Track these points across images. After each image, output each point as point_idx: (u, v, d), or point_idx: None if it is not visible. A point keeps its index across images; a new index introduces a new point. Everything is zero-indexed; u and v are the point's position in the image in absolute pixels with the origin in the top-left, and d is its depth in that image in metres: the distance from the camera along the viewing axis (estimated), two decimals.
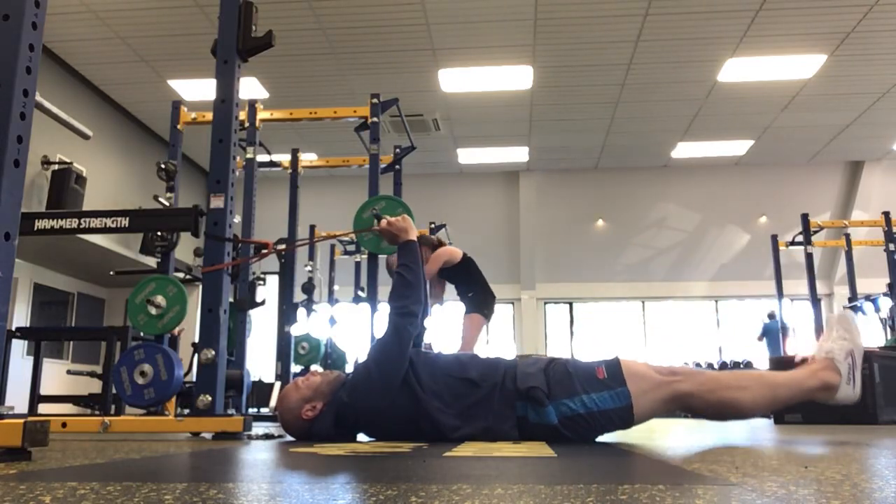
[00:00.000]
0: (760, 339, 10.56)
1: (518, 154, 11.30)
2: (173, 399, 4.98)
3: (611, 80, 8.66)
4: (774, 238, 9.17)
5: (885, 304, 8.07)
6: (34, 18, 1.52)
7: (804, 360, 2.19)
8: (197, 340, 3.07)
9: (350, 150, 7.94)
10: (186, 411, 3.29)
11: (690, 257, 12.17)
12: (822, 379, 2.09)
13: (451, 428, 2.09)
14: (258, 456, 1.64)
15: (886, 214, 8.39)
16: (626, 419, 2.06)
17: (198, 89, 8.47)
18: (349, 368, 7.33)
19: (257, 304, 5.10)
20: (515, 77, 8.51)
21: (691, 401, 2.07)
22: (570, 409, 2.04)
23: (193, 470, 1.33)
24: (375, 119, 5.09)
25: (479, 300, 4.85)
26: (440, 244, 5.00)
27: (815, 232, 8.31)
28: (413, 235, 2.41)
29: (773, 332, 10.10)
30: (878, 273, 8.66)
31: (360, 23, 7.28)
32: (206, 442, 2.36)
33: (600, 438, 2.17)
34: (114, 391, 4.66)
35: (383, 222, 2.45)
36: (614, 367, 2.10)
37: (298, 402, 2.20)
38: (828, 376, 2.08)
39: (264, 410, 6.80)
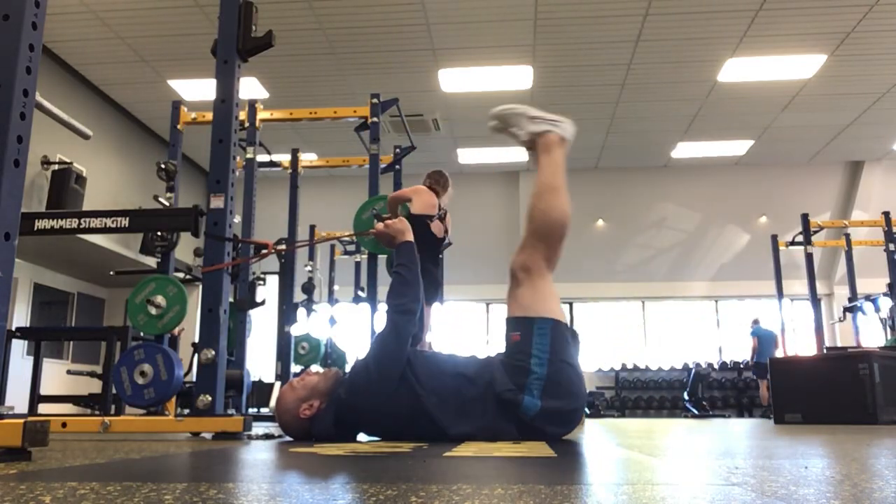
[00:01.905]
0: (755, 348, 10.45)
1: (518, 154, 11.29)
2: (173, 399, 4.98)
3: (611, 80, 8.66)
4: (774, 238, 9.17)
5: (885, 304, 8.07)
6: (34, 18, 1.52)
7: (533, 148, 2.36)
8: (197, 340, 3.07)
9: (350, 150, 7.94)
10: (186, 411, 3.29)
11: (690, 257, 12.17)
12: (552, 144, 2.31)
13: (450, 425, 2.10)
14: (258, 456, 1.64)
15: (886, 214, 8.40)
16: (563, 327, 2.16)
17: (198, 89, 8.47)
18: (349, 368, 7.32)
19: (257, 304, 5.10)
20: (515, 77, 8.50)
21: (546, 253, 2.24)
22: (539, 378, 2.07)
23: (193, 470, 1.33)
24: (375, 119, 5.09)
25: (430, 279, 4.30)
26: (439, 184, 4.56)
27: (815, 232, 8.32)
28: (410, 237, 2.44)
29: (765, 338, 10.05)
30: (878, 273, 8.66)
31: (360, 23, 7.28)
32: (206, 442, 2.36)
33: (601, 437, 2.17)
34: (114, 391, 4.65)
35: (380, 225, 2.48)
36: (513, 321, 2.18)
37: (295, 402, 2.21)
38: (550, 140, 2.32)
39: (264, 410, 6.80)
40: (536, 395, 2.06)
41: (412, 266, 2.33)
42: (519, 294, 2.21)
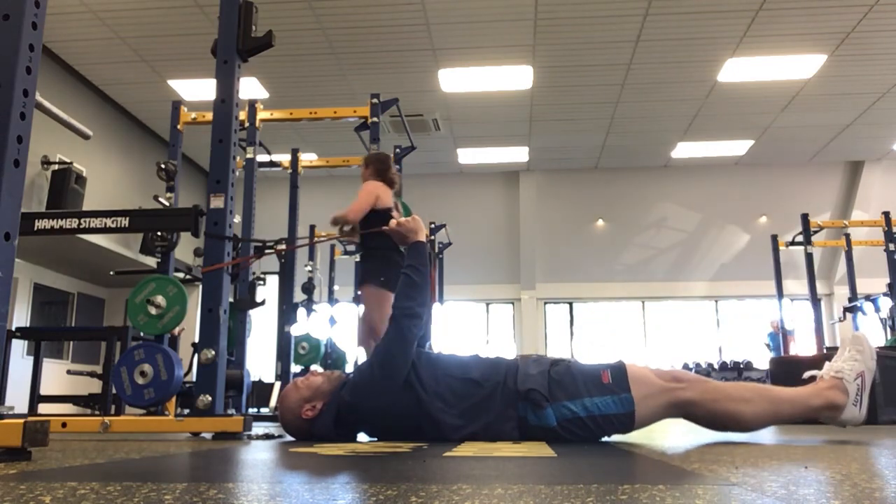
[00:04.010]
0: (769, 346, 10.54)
1: (518, 154, 11.29)
2: (173, 399, 4.97)
3: (611, 80, 8.66)
4: (774, 238, 9.17)
5: (885, 304, 8.06)
6: (34, 18, 1.52)
7: (812, 378, 2.15)
8: (197, 340, 3.07)
9: (350, 150, 7.94)
10: (186, 411, 3.29)
11: (690, 257, 12.16)
12: (828, 398, 2.05)
13: (453, 428, 2.09)
14: (258, 456, 1.64)
15: (886, 214, 8.39)
16: (627, 424, 2.06)
17: (198, 89, 8.47)
18: (349, 368, 7.32)
19: (257, 304, 5.10)
20: (515, 77, 8.50)
21: (693, 409, 2.07)
22: (571, 411, 2.04)
23: (193, 470, 1.33)
24: (375, 119, 5.09)
25: (379, 266, 4.05)
26: (385, 169, 4.19)
27: (815, 232, 8.31)
28: (423, 237, 2.39)
29: (776, 337, 10.15)
30: (878, 273, 8.65)
31: (360, 23, 7.28)
32: (206, 442, 2.36)
33: (602, 442, 2.17)
34: (114, 391, 4.65)
35: (393, 222, 2.44)
36: (620, 371, 2.09)
37: (298, 401, 2.20)
38: (834, 396, 2.05)
39: (264, 410, 6.80)
40: (557, 417, 2.04)
41: (422, 268, 2.30)
42: (652, 377, 2.07)
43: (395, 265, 3.92)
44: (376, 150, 5.06)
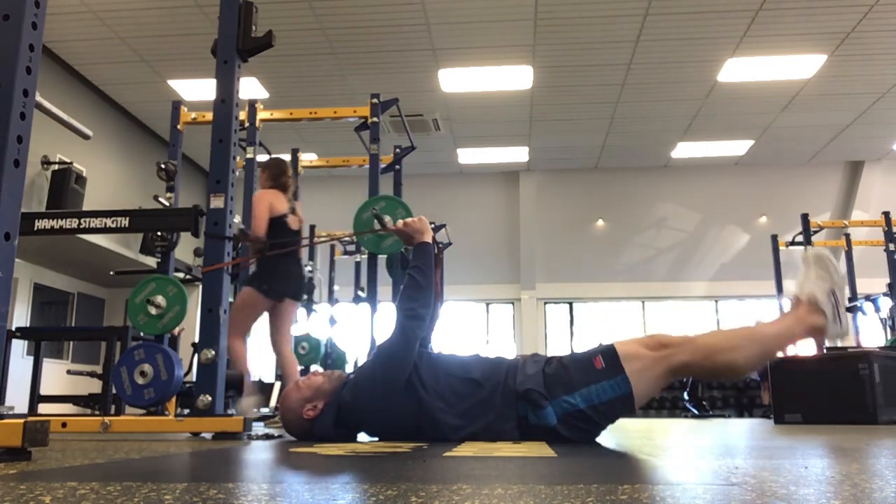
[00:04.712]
0: None
1: (518, 154, 11.29)
2: (173, 399, 4.96)
3: (611, 80, 8.66)
4: (774, 238, 9.17)
5: (885, 304, 8.07)
6: (34, 18, 1.52)
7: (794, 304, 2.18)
8: (197, 340, 3.07)
9: (350, 150, 7.94)
10: (186, 411, 3.29)
11: (690, 257, 12.16)
12: (810, 323, 2.10)
13: (454, 428, 2.09)
14: (258, 456, 1.64)
15: (886, 214, 8.39)
16: (629, 405, 2.05)
17: (198, 89, 8.47)
18: (349, 368, 7.33)
19: None
20: (515, 77, 8.50)
21: (688, 370, 2.09)
22: (571, 404, 2.03)
23: (193, 470, 1.33)
24: (375, 119, 5.09)
25: (269, 275, 3.91)
26: (279, 174, 4.09)
27: (815, 232, 8.32)
28: (429, 237, 2.38)
29: None
30: (878, 273, 8.65)
31: (360, 23, 7.28)
32: (206, 442, 2.36)
33: (601, 436, 2.17)
34: (114, 391, 4.65)
35: (399, 222, 2.43)
36: (610, 353, 2.07)
37: (299, 401, 2.21)
38: (814, 320, 2.10)
39: (264, 410, 6.79)
40: (558, 414, 2.03)
41: (426, 269, 2.29)
42: (641, 351, 2.07)
43: (284, 277, 3.90)
44: (376, 150, 5.06)
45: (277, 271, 3.92)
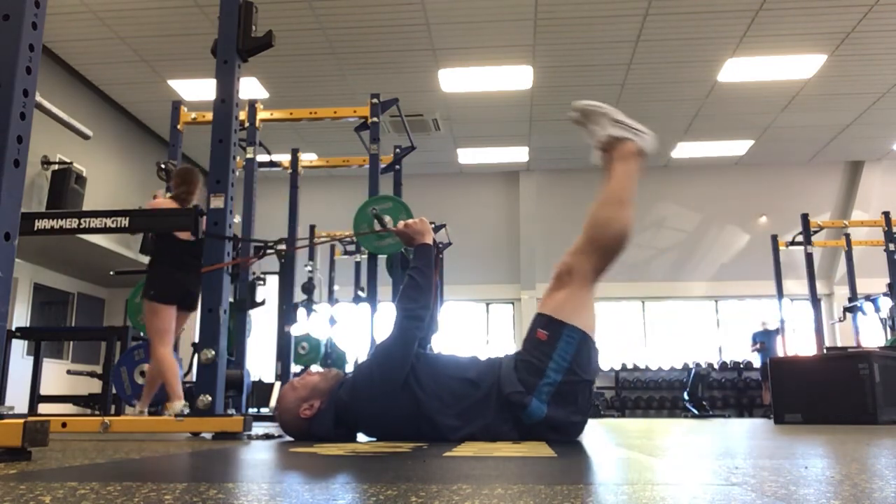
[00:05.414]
0: (761, 347, 10.53)
1: (518, 154, 11.29)
2: None
3: (611, 80, 8.66)
4: (774, 238, 9.17)
5: (885, 304, 8.07)
6: (34, 18, 1.52)
7: (607, 151, 2.29)
8: (197, 340, 3.07)
9: (350, 150, 7.94)
10: (186, 411, 3.28)
11: (690, 257, 12.16)
12: (628, 152, 2.23)
13: (451, 429, 2.09)
14: (258, 456, 1.64)
15: (886, 214, 8.40)
16: (591, 342, 2.10)
17: (198, 89, 8.47)
18: (349, 368, 7.32)
19: (257, 304, 5.10)
20: (515, 77, 8.50)
21: (597, 269, 2.16)
22: (549, 384, 2.04)
23: (193, 470, 1.33)
24: (375, 119, 5.09)
25: (154, 279, 3.87)
26: (182, 183, 3.98)
27: (815, 232, 8.32)
28: (430, 239, 2.39)
29: (770, 335, 10.17)
30: (878, 273, 8.66)
31: (360, 23, 7.28)
32: (206, 442, 2.36)
33: (600, 435, 2.17)
34: (114, 391, 4.66)
35: (400, 224, 2.44)
36: (545, 320, 2.12)
37: (296, 401, 2.21)
38: (627, 148, 2.24)
39: (264, 410, 6.80)
40: (544, 401, 2.03)
41: (426, 270, 2.30)
42: (559, 296, 2.14)
43: (170, 284, 3.86)
44: (376, 150, 5.06)
45: (162, 279, 3.86)
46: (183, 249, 3.82)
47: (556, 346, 2.06)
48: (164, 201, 4.03)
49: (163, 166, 4.92)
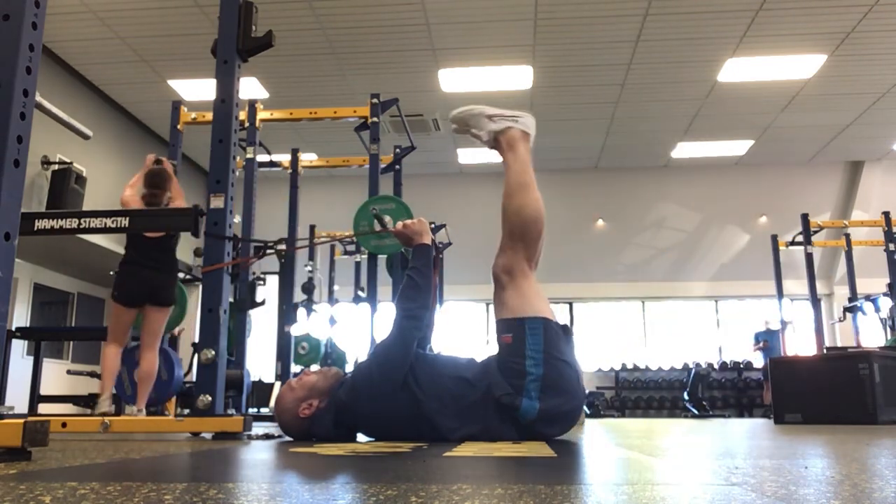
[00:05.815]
0: (764, 346, 10.57)
1: None
2: (173, 399, 4.97)
3: (611, 80, 8.66)
4: (774, 238, 9.17)
5: (885, 304, 8.07)
6: (34, 18, 1.52)
7: (498, 147, 2.41)
8: (197, 340, 3.07)
9: (350, 150, 7.94)
10: (186, 411, 3.28)
11: (690, 257, 12.16)
12: (515, 140, 2.35)
13: (450, 429, 2.09)
14: (258, 456, 1.64)
15: (886, 214, 8.40)
16: (555, 325, 2.15)
17: (198, 89, 8.47)
18: (349, 368, 7.32)
19: (257, 304, 5.10)
20: (515, 77, 8.50)
21: (528, 256, 2.22)
22: (535, 381, 2.06)
23: (193, 470, 1.33)
24: (375, 119, 5.09)
25: (122, 278, 3.93)
26: (148, 185, 3.99)
27: (815, 232, 8.32)
28: (428, 239, 2.39)
29: (773, 334, 10.20)
30: (878, 273, 8.65)
31: (360, 23, 7.28)
32: (206, 442, 2.36)
33: (601, 437, 2.17)
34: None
35: (399, 224, 2.44)
36: (504, 323, 2.17)
37: (294, 401, 2.21)
38: (511, 135, 2.37)
39: (264, 410, 6.80)
40: (535, 397, 2.05)
41: (425, 270, 2.30)
42: (505, 297, 2.20)
43: (133, 283, 3.89)
44: (376, 150, 5.06)
45: (120, 278, 3.93)
46: (151, 246, 3.90)
47: (524, 342, 2.10)
48: (133, 201, 4.04)
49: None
